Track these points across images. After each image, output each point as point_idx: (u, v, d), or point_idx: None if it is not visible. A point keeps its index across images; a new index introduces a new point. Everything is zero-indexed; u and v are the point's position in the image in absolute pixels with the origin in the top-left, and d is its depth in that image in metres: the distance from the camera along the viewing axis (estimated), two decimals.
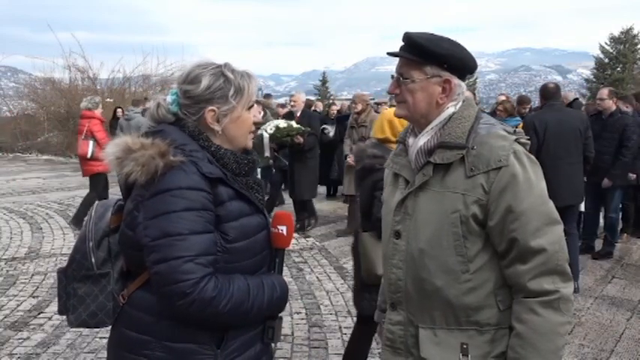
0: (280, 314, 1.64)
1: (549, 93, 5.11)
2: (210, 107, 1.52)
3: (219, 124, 1.54)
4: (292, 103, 7.67)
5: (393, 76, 1.60)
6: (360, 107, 6.99)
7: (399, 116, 1.63)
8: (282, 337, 1.71)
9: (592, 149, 5.09)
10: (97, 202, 1.73)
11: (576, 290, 4.96)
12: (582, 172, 5.05)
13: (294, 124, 6.64)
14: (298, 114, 7.25)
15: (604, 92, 6.31)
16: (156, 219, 1.40)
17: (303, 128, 6.58)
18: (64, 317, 1.67)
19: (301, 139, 6.58)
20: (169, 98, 1.57)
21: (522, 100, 7.73)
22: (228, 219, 1.48)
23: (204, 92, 1.52)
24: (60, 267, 1.66)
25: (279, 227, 1.62)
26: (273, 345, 1.68)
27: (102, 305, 1.58)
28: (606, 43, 42.08)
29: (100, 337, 3.79)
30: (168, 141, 1.46)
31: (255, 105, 1.63)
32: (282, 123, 6.67)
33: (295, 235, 6.94)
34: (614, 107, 6.08)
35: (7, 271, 5.49)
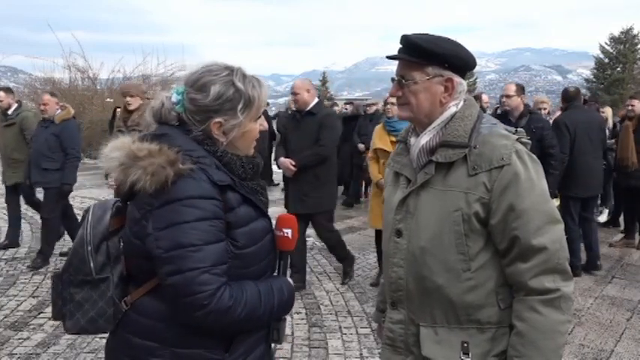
0: (284, 316, 1.63)
1: (570, 96, 5.75)
2: (217, 119, 1.46)
3: (225, 137, 1.49)
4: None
5: (393, 79, 1.60)
6: (135, 104, 4.91)
7: (402, 118, 1.63)
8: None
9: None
10: (93, 203, 1.66)
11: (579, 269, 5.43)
12: (602, 166, 5.77)
13: None
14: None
15: (511, 88, 5.24)
16: (167, 230, 1.36)
17: None
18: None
19: None
20: (174, 98, 1.50)
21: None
22: (238, 225, 1.45)
23: (213, 103, 1.46)
24: (54, 272, 1.59)
25: (285, 230, 1.59)
26: (273, 345, 1.67)
27: (102, 311, 1.50)
28: (606, 43, 42.12)
29: (100, 337, 3.78)
30: (177, 147, 1.41)
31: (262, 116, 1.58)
32: None
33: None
34: (522, 107, 5.19)
35: (7, 271, 5.48)
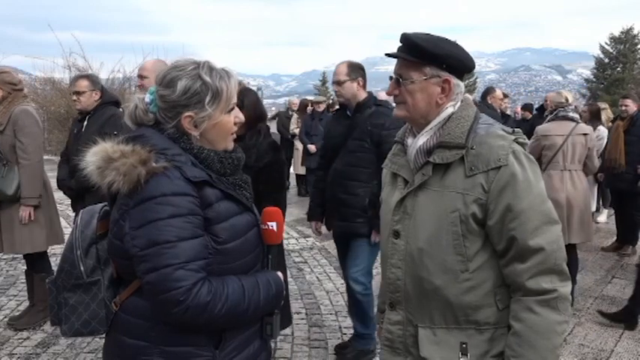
0: (277, 310, 1.63)
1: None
2: (187, 113, 1.47)
3: (197, 130, 1.49)
4: None
5: (391, 78, 1.60)
6: None
7: (398, 117, 1.63)
8: (280, 334, 1.71)
9: None
10: (82, 209, 1.68)
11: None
12: None
13: None
14: None
15: (342, 70, 3.55)
16: (142, 228, 1.37)
17: None
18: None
19: None
20: (148, 98, 1.52)
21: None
22: (217, 220, 1.45)
23: (180, 98, 1.46)
24: (49, 277, 1.63)
25: (269, 224, 1.61)
26: (272, 341, 1.68)
27: (94, 313, 1.56)
28: (606, 43, 42.10)
29: (100, 337, 3.78)
30: (149, 147, 1.42)
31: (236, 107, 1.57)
32: None
33: (295, 235, 6.96)
34: (363, 95, 3.63)
35: (7, 271, 5.49)
